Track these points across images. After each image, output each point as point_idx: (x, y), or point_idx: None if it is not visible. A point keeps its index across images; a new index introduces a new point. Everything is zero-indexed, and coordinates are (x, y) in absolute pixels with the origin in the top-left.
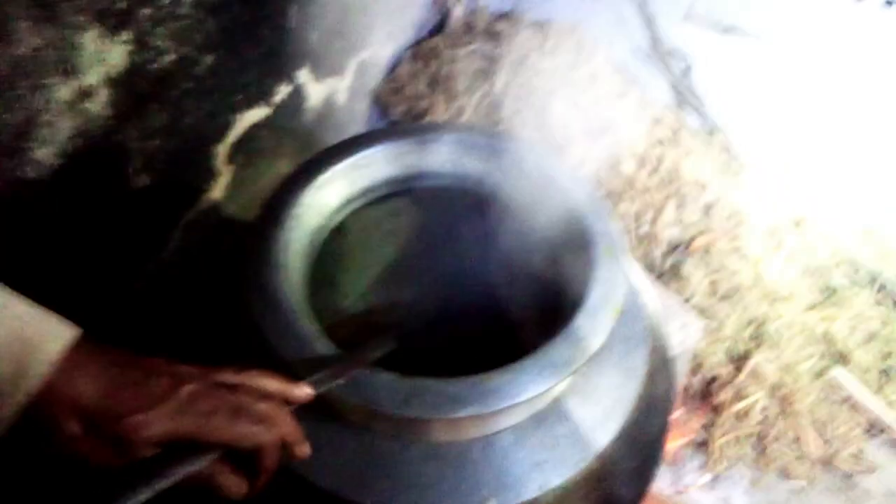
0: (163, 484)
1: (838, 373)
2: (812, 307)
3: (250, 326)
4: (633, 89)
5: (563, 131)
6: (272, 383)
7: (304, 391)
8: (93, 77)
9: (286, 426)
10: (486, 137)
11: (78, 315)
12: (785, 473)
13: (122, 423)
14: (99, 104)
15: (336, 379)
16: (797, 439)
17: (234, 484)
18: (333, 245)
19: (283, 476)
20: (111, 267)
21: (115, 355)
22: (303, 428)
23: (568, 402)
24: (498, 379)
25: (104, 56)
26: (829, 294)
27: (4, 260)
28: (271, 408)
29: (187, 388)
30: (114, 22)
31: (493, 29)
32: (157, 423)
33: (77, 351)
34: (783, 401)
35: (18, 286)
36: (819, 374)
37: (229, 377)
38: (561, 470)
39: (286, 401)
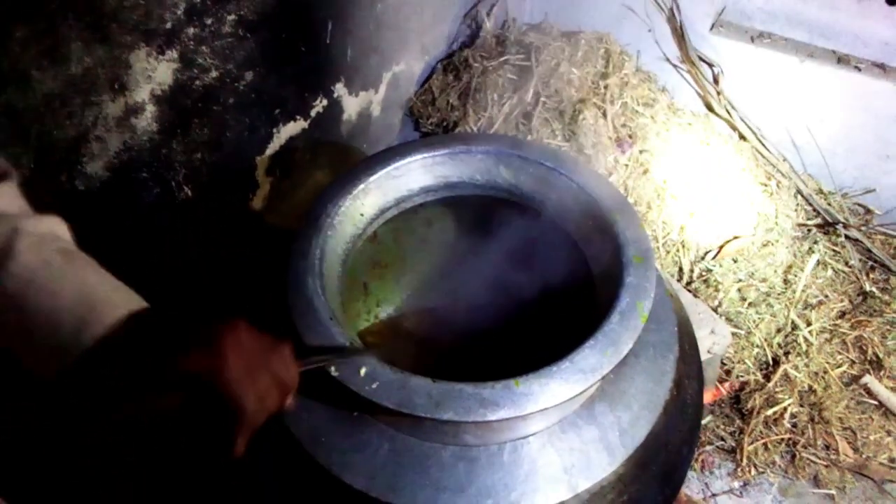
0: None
1: (870, 380)
2: (843, 313)
3: (289, 329)
4: (663, 97)
5: (594, 140)
6: (290, 373)
7: (290, 403)
8: (140, 94)
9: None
10: (516, 147)
11: None
12: (815, 481)
13: (149, 358)
14: (146, 120)
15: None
16: (828, 446)
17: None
18: (368, 253)
19: (318, 476)
20: (154, 275)
21: (170, 317)
22: (338, 429)
23: (597, 406)
24: (530, 383)
25: (151, 74)
26: (861, 300)
27: None
28: (281, 387)
29: (216, 332)
30: (161, 41)
31: (524, 40)
32: (176, 359)
33: (138, 313)
34: (814, 408)
35: None
36: (850, 380)
37: (266, 344)
38: (589, 474)
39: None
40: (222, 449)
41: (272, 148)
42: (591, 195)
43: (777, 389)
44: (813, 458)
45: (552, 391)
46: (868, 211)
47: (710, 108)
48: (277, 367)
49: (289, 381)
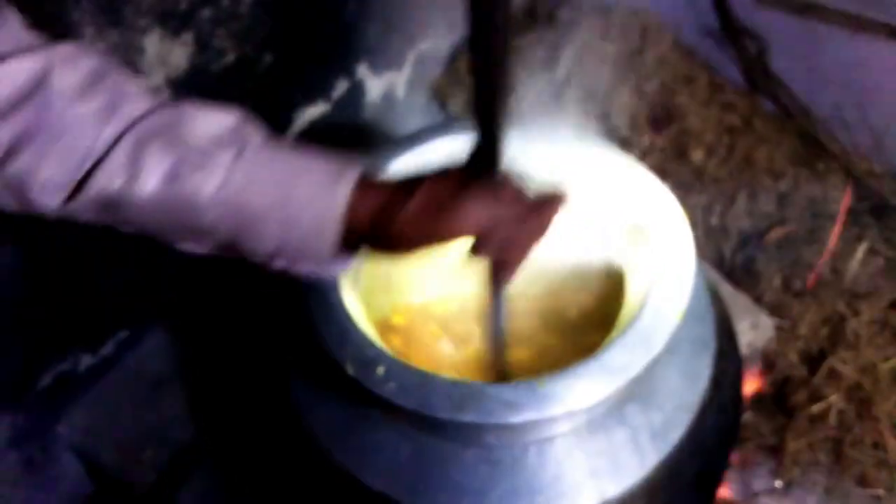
0: None
1: None
2: (894, 304)
3: (308, 328)
4: (703, 74)
5: (629, 120)
6: None
7: None
8: (156, 79)
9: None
10: (543, 130)
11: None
12: (862, 481)
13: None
14: None
15: None
16: (876, 444)
17: None
18: None
19: (336, 476)
20: (172, 270)
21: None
22: (356, 428)
23: (627, 407)
24: (554, 384)
25: (166, 58)
26: None
27: (73, 262)
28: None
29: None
30: (175, 24)
31: (555, 16)
32: (472, 211)
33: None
34: (861, 404)
35: (87, 289)
36: None
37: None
38: (619, 479)
39: None
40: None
41: (293, 132)
42: (627, 180)
43: (823, 384)
44: (860, 456)
45: (578, 392)
46: None
47: (754, 84)
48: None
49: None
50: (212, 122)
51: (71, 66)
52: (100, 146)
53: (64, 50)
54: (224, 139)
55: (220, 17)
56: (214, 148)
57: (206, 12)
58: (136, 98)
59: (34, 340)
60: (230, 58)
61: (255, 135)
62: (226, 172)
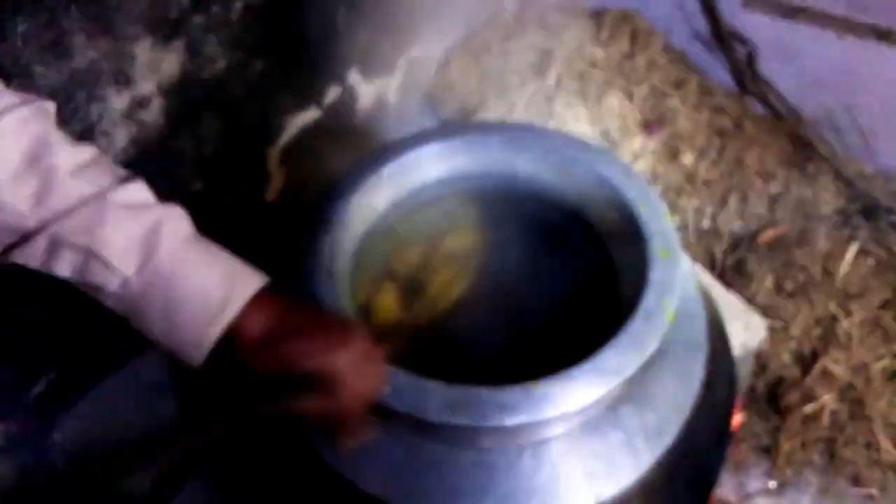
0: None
1: None
2: (886, 304)
3: None
4: (693, 77)
5: (619, 124)
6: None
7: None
8: (147, 87)
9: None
10: (534, 136)
11: None
12: (856, 480)
13: (280, 350)
14: (153, 113)
15: None
16: (869, 444)
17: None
18: (381, 249)
19: (331, 480)
20: None
21: (293, 303)
22: None
23: (621, 409)
24: (548, 386)
25: (157, 66)
26: None
27: None
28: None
29: (344, 334)
30: (166, 31)
31: (545, 21)
32: (309, 356)
33: (266, 293)
34: (854, 404)
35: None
36: (893, 375)
37: (374, 346)
38: (614, 481)
39: None
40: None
41: (285, 139)
42: (615, 186)
43: (816, 385)
44: (853, 456)
45: (573, 394)
46: None
47: (744, 87)
48: (376, 374)
49: (379, 385)
50: (130, 227)
51: (13, 139)
52: (25, 230)
53: (6, 122)
54: (135, 245)
55: (211, 25)
56: (124, 254)
57: (197, 19)
58: (63, 188)
59: (29, 347)
60: (221, 64)
61: (167, 240)
62: (126, 280)
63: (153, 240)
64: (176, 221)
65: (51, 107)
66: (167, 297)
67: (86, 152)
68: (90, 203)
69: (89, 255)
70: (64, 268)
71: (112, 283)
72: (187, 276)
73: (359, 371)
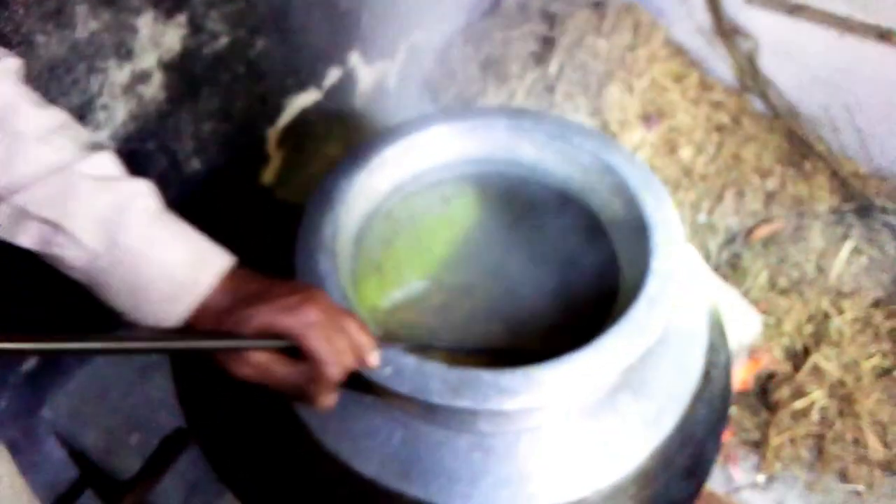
0: (231, 344)
1: None
2: (877, 303)
3: None
4: (694, 72)
5: (619, 116)
6: (363, 337)
7: (373, 359)
8: (148, 61)
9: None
10: (538, 122)
11: None
12: (843, 476)
13: (234, 315)
14: (153, 88)
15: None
16: (857, 441)
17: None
18: (383, 231)
19: (326, 462)
20: None
21: (258, 277)
22: (348, 415)
23: (620, 397)
24: (548, 371)
25: (159, 40)
26: None
27: None
28: (355, 350)
29: (299, 296)
30: (169, 5)
31: (548, 9)
32: (259, 316)
33: (233, 271)
34: (844, 400)
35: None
36: (882, 373)
37: (341, 311)
38: (611, 467)
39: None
40: (306, 401)
41: (284, 120)
42: (619, 173)
43: (807, 381)
44: (841, 452)
45: (573, 380)
46: None
47: (743, 83)
48: (352, 330)
49: (362, 343)
50: (98, 201)
51: None
52: None
53: None
54: (102, 220)
55: (215, 0)
56: (91, 230)
57: None
58: (29, 154)
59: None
60: (223, 41)
61: (135, 217)
62: (93, 255)
63: (121, 216)
64: (144, 197)
65: (16, 63)
66: (134, 273)
67: (53, 116)
68: (57, 173)
69: (55, 228)
70: (27, 239)
71: (78, 258)
72: (154, 254)
73: (324, 332)
